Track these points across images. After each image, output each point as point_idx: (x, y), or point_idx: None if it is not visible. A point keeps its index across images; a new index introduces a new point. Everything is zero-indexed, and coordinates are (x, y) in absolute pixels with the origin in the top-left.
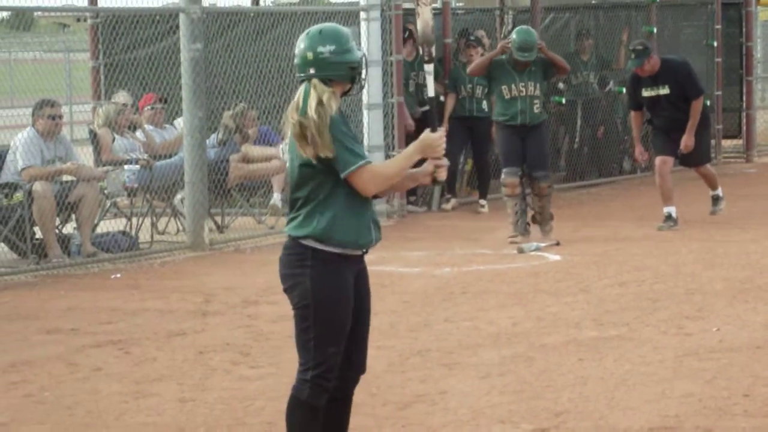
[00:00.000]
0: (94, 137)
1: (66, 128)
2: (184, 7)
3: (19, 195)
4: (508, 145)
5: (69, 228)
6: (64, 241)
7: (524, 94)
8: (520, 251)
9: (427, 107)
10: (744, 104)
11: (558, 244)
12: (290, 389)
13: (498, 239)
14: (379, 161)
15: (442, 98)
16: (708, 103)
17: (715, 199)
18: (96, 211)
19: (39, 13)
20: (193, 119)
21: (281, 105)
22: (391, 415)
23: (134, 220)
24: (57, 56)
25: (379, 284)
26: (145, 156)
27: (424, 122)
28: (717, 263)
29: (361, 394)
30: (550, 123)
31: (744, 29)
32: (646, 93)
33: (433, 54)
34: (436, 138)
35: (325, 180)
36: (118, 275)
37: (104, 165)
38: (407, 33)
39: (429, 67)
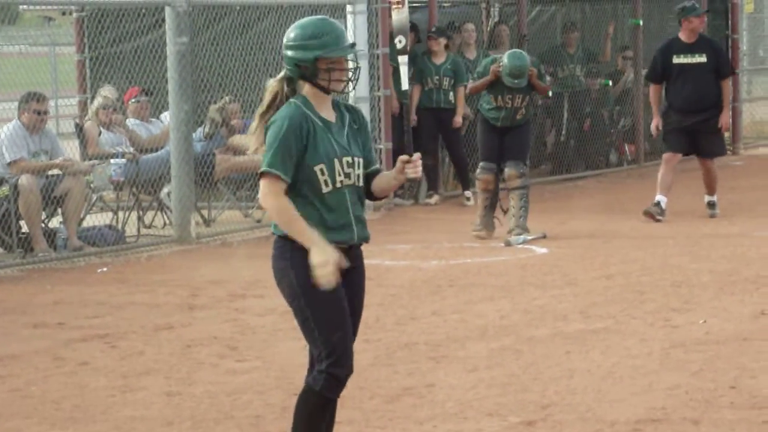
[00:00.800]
0: (80, 131)
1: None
2: (169, 0)
3: (4, 189)
4: (487, 141)
5: (55, 222)
6: (51, 235)
7: (510, 105)
8: (507, 244)
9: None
10: (731, 97)
11: (545, 236)
12: (279, 383)
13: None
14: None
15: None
16: None
17: (711, 205)
18: (82, 205)
19: (24, 6)
20: (179, 113)
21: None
22: (379, 408)
23: (121, 213)
24: (42, 50)
25: (366, 277)
26: (131, 150)
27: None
28: (703, 256)
29: (348, 388)
30: (537, 116)
31: (730, 22)
32: (677, 60)
33: (407, 46)
34: (317, 266)
35: (295, 177)
36: (105, 269)
37: (90, 159)
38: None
39: (403, 58)
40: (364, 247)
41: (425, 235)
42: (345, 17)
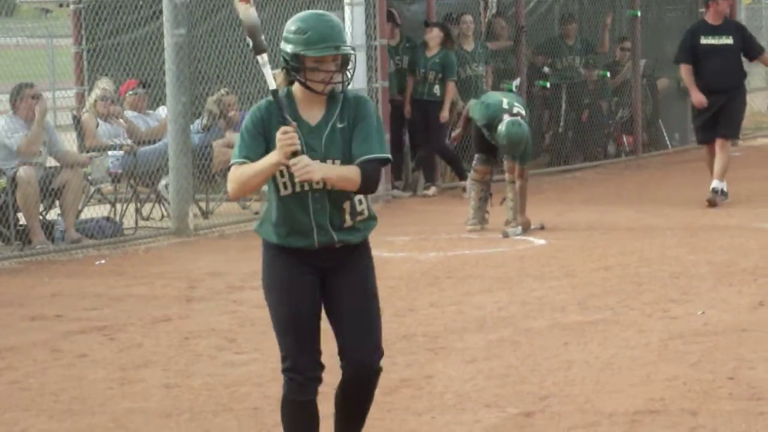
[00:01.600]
0: (77, 123)
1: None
2: None
3: (2, 181)
4: (484, 139)
5: (53, 214)
6: (48, 228)
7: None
8: (505, 235)
9: None
10: None
11: (542, 227)
12: (277, 374)
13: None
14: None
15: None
16: None
17: (716, 192)
18: (80, 197)
19: None
20: (177, 105)
21: (265, 90)
22: (377, 399)
23: (118, 206)
24: (40, 42)
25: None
26: (129, 142)
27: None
28: (701, 247)
29: None
30: (534, 108)
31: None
32: (705, 41)
33: (263, 45)
34: (279, 135)
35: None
36: (103, 261)
37: (88, 151)
38: (388, 16)
39: (262, 58)
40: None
41: (423, 226)
42: (343, 8)
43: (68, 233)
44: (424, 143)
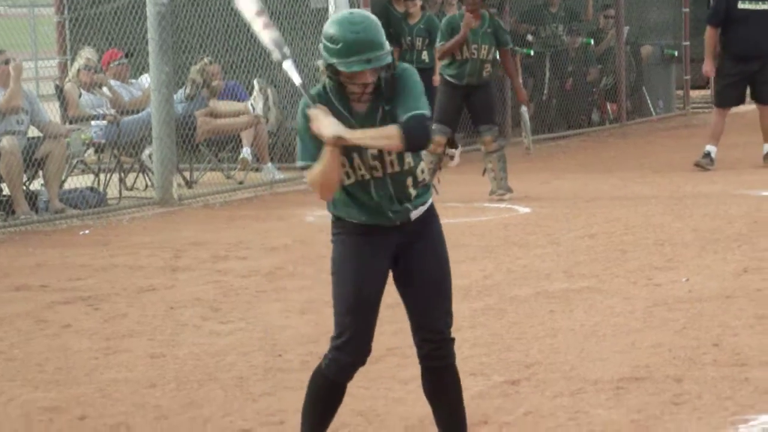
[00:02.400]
0: (60, 93)
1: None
2: None
3: None
4: (448, 104)
5: (36, 184)
6: (32, 198)
7: (476, 56)
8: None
9: None
10: None
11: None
12: (262, 344)
13: (468, 192)
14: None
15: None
16: (676, 53)
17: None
18: (63, 168)
19: None
20: (159, 74)
21: (249, 59)
22: (362, 369)
23: (102, 176)
24: (21, 11)
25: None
26: (112, 112)
27: None
28: (686, 214)
29: None
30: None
31: None
32: (742, 5)
33: (287, 52)
34: (311, 116)
35: None
36: (87, 231)
37: (71, 121)
38: None
39: (287, 64)
40: None
41: None
42: None
43: (52, 203)
44: None
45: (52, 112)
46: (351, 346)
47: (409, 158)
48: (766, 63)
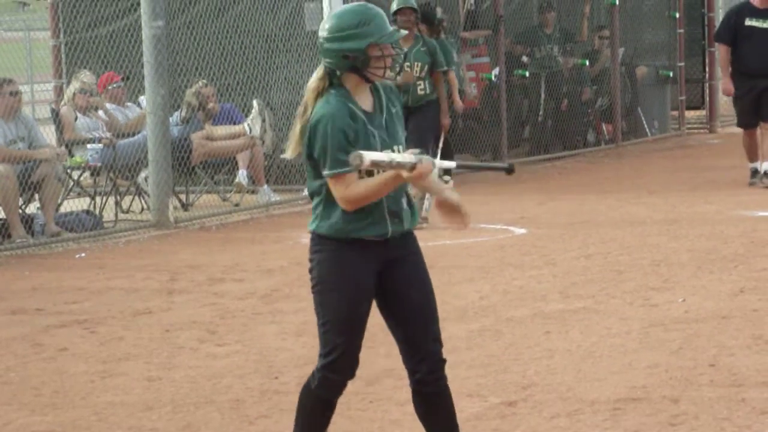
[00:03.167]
0: (56, 116)
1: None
2: None
3: None
4: None
5: (32, 208)
6: (28, 221)
7: (414, 71)
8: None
9: None
10: (707, 75)
11: (426, 221)
12: (258, 366)
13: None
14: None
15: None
16: (671, 74)
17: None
18: (59, 191)
19: None
20: (155, 97)
21: (244, 82)
22: (360, 390)
23: (98, 199)
24: (17, 35)
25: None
26: (108, 135)
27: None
28: (682, 234)
29: None
30: (513, 97)
31: (705, 0)
32: (749, 22)
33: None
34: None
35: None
36: (83, 255)
37: (67, 144)
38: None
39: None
40: None
41: None
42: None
43: (48, 227)
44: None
45: (47, 135)
46: (342, 364)
47: None
48: None
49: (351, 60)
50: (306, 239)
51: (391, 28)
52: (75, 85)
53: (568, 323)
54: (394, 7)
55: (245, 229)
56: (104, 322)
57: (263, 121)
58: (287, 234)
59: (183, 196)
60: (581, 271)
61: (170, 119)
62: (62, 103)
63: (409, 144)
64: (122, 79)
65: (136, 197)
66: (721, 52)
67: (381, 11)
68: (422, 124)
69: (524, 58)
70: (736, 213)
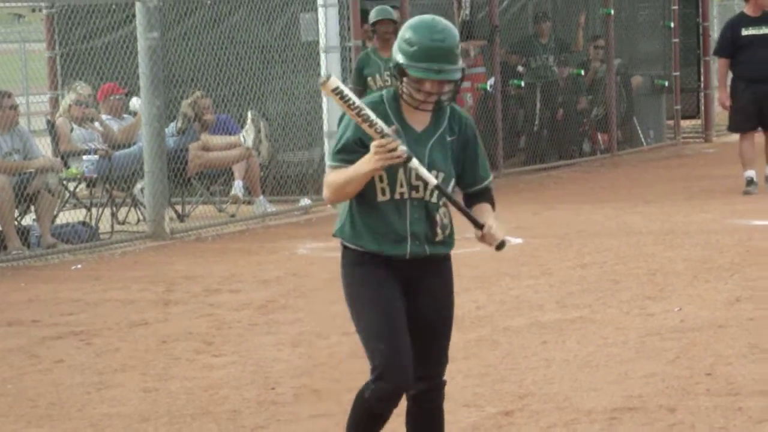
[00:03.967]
0: (52, 127)
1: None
2: None
3: None
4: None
5: (28, 219)
6: (24, 233)
7: (389, 84)
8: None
9: None
10: (702, 84)
11: None
12: (255, 377)
13: (458, 223)
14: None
15: None
16: (666, 83)
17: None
18: (55, 203)
19: None
20: (151, 108)
21: (240, 92)
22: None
23: (94, 210)
24: (12, 47)
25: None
26: (104, 146)
27: None
28: (677, 243)
29: (324, 381)
30: (508, 107)
31: (700, 9)
32: (746, 32)
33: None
34: (378, 145)
35: None
36: (79, 266)
37: (63, 156)
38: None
39: (413, 163)
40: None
41: None
42: (316, 9)
43: (44, 238)
44: None
45: (43, 146)
46: (391, 372)
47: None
48: None
49: (396, 67)
50: (303, 250)
51: (425, 65)
52: (71, 97)
53: (565, 333)
54: (372, 17)
55: (241, 240)
56: (100, 334)
57: (258, 132)
58: (283, 245)
59: (179, 207)
60: (577, 280)
61: (166, 130)
62: (58, 114)
63: None
64: (126, 93)
65: (132, 208)
66: (720, 66)
67: (441, 41)
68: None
69: (519, 68)
70: (732, 222)
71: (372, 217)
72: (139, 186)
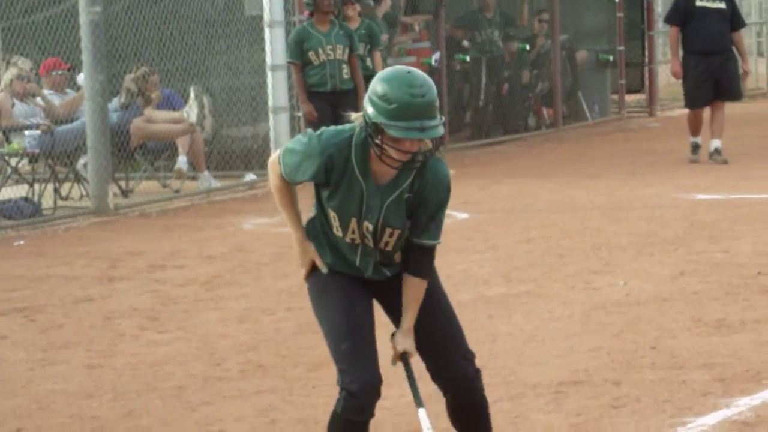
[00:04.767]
0: None
1: None
2: None
3: None
4: (319, 113)
5: None
6: None
7: (332, 57)
8: None
9: None
10: (646, 59)
11: None
12: (200, 353)
13: None
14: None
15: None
16: (611, 58)
17: (718, 151)
18: None
19: None
20: (94, 83)
21: (184, 67)
22: (302, 376)
23: (37, 186)
24: None
25: (288, 245)
26: (46, 121)
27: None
28: (622, 218)
29: (270, 357)
30: (454, 82)
31: None
32: (700, 3)
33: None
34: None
35: (316, 193)
36: (22, 242)
37: (4, 131)
38: None
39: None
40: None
41: None
42: None
43: None
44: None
45: None
46: (353, 372)
47: (401, 242)
48: (727, 58)
49: (368, 123)
50: (248, 225)
51: (405, 123)
52: (12, 71)
53: (511, 307)
54: None
55: (186, 216)
56: (44, 310)
57: (201, 107)
58: (228, 220)
59: (123, 183)
60: (523, 255)
61: (109, 105)
62: None
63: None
64: (69, 69)
65: (75, 184)
66: (671, 34)
67: (421, 96)
68: (349, 111)
69: (465, 43)
70: (676, 196)
71: (332, 235)
72: (82, 161)
